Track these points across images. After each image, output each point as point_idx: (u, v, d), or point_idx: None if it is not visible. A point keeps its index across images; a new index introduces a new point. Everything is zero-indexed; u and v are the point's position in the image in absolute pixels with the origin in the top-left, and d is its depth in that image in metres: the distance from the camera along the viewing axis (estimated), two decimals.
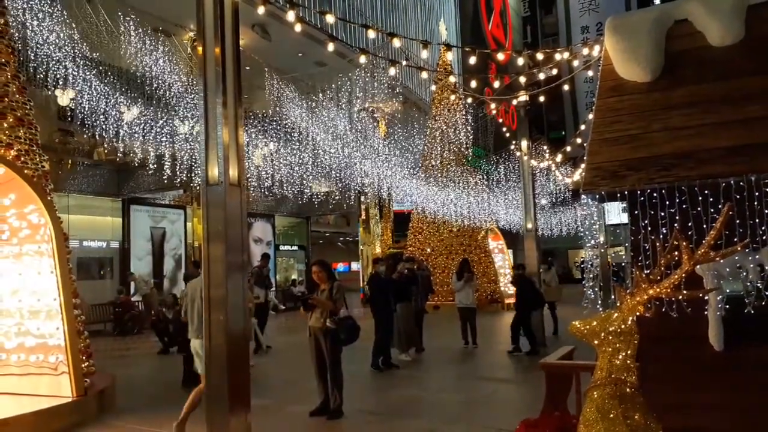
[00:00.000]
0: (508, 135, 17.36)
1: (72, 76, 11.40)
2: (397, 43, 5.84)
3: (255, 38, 17.67)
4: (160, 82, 12.59)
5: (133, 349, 13.69)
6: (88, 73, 11.73)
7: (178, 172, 14.13)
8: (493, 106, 11.03)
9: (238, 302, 4.97)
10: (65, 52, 10.99)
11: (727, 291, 3.60)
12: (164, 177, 14.69)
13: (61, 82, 11.25)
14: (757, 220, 3.40)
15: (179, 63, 12.86)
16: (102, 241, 18.76)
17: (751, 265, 3.43)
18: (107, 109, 12.37)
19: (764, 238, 3.40)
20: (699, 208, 3.51)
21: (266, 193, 17.37)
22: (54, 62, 10.90)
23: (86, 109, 12.06)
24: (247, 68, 15.26)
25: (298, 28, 5.83)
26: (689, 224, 3.55)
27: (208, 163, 5.00)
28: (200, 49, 5.13)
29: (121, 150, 13.45)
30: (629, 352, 3.07)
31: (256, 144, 15.49)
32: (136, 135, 13.15)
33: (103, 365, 9.34)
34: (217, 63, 5.04)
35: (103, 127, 12.54)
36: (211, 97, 5.08)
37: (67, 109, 12.28)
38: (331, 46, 6.27)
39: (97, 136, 12.84)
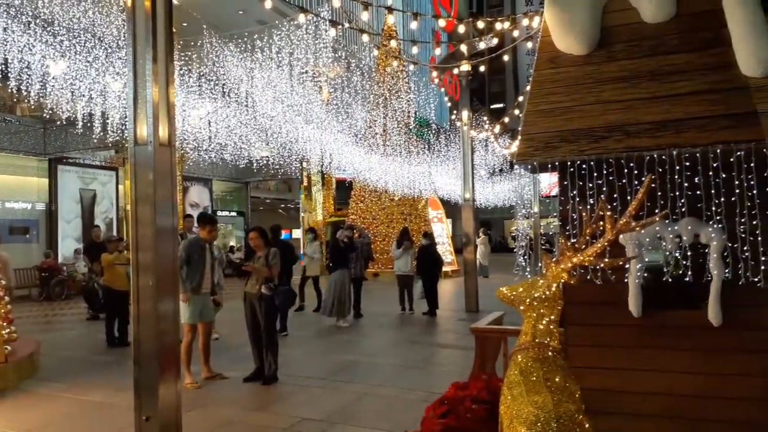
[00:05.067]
0: (449, 104, 17.43)
1: None
2: (336, 2, 5.69)
3: None
4: (89, 34, 11.85)
5: (60, 314, 13.20)
6: (9, 22, 10.90)
7: (109, 131, 13.44)
8: (434, 74, 11.02)
9: (168, 266, 4.82)
10: None
11: (647, 260, 3.76)
12: (94, 136, 13.96)
13: None
14: (677, 193, 3.54)
15: (109, 14, 12.11)
16: (27, 202, 17.83)
17: (670, 236, 3.58)
18: (31, 61, 11.57)
19: (683, 210, 3.55)
20: (624, 180, 3.62)
21: (202, 155, 16.85)
22: None
23: (8, 61, 11.25)
24: (185, 24, 14.62)
25: None
26: (615, 195, 3.67)
27: (136, 122, 4.76)
28: None
29: (48, 106, 12.66)
30: (553, 317, 3.18)
31: (193, 104, 14.91)
32: (64, 90, 12.39)
33: (28, 331, 8.97)
34: (147, 15, 4.77)
35: (27, 80, 11.74)
36: (140, 51, 4.80)
37: None
38: (268, 3, 6.04)
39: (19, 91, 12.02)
